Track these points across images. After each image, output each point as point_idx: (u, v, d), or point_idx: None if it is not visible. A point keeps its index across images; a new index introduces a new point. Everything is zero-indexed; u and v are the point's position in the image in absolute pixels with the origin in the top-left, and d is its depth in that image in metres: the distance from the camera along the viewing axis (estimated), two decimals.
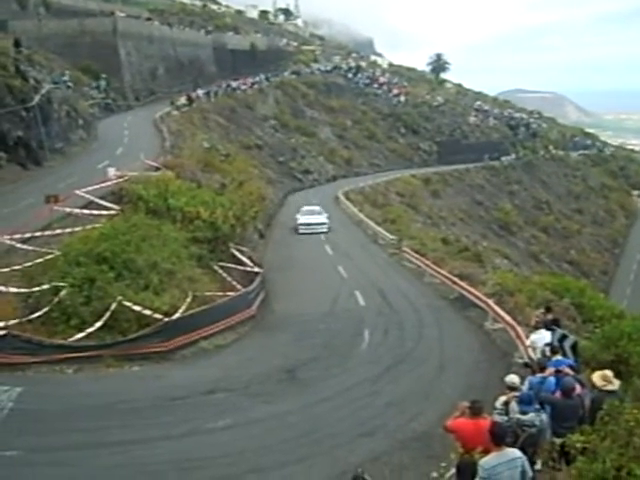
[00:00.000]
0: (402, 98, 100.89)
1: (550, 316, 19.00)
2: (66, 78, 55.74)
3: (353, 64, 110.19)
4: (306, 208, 49.48)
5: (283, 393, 18.96)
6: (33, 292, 21.72)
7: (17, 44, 49.26)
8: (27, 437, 15.11)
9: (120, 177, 33.26)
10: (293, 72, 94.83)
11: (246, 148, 62.46)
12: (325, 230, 45.73)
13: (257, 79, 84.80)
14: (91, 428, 15.86)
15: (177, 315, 22.15)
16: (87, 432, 15.65)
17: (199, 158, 40.70)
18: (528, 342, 18.50)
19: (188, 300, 23.31)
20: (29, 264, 23.32)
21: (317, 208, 49.26)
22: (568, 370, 13.51)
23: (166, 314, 21.86)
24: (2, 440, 14.87)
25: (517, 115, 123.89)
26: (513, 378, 13.13)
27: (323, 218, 47.10)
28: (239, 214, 31.77)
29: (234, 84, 79.61)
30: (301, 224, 46.26)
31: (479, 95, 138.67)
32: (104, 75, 65.66)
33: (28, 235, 26.04)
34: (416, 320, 26.16)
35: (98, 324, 20.72)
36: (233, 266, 29.42)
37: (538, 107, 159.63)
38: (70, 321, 20.90)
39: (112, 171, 34.33)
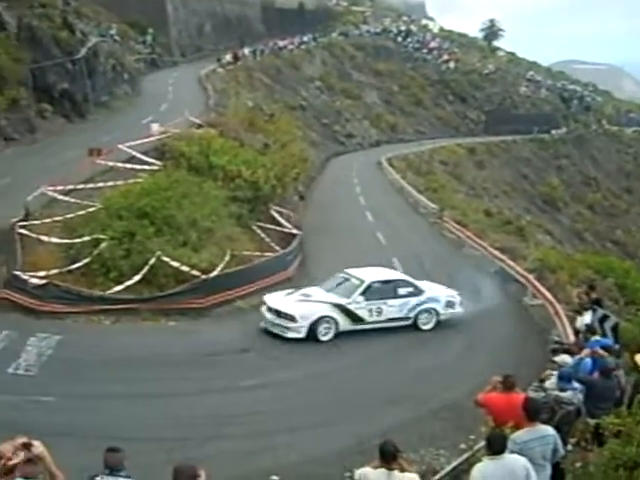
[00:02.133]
0: (452, 64, 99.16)
1: (593, 295, 18.75)
2: (113, 32, 55.78)
3: (403, 27, 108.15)
4: None
5: (316, 356, 19.04)
6: (74, 243, 22.00)
7: None
8: (64, 384, 15.37)
9: (163, 133, 33.28)
10: (341, 33, 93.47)
11: (290, 109, 61.88)
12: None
13: (304, 39, 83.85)
14: (127, 379, 16.12)
15: (215, 273, 22.26)
16: (123, 382, 15.89)
17: (243, 117, 40.31)
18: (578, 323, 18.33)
19: (226, 258, 23.38)
20: (71, 216, 23.58)
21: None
22: (602, 352, 13.31)
23: (204, 271, 21.97)
24: (40, 385, 15.22)
25: (571, 87, 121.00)
26: (565, 358, 13.06)
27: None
28: (280, 175, 31.61)
29: (281, 43, 78.80)
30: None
31: (532, 65, 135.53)
32: (151, 30, 65.39)
33: (70, 187, 26.29)
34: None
35: (136, 278, 20.92)
36: (272, 227, 29.37)
37: (593, 79, 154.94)
38: (109, 273, 21.15)
39: (155, 127, 34.35)
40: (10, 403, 14.19)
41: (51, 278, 20.16)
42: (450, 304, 22.09)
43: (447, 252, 33.01)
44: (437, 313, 21.78)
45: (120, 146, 30.66)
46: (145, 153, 30.69)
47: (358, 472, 8.52)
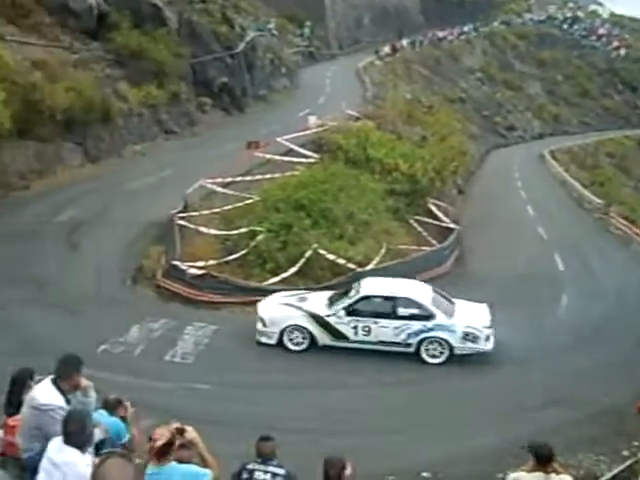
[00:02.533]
0: (622, 52, 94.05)
1: None
2: (271, 26, 56.59)
3: (569, 14, 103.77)
4: None
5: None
6: (231, 235, 22.42)
7: None
8: (219, 373, 15.71)
9: (321, 126, 33.50)
10: (503, 22, 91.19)
11: (449, 101, 60.98)
12: None
13: (464, 29, 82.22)
14: (280, 369, 16.35)
15: (370, 266, 22.07)
16: (276, 373, 16.14)
17: (401, 109, 40.12)
18: None
19: (382, 252, 23.17)
20: (229, 207, 24.07)
21: None
22: None
23: (359, 264, 21.85)
24: (196, 373, 15.62)
25: None
26: None
27: None
28: (439, 168, 31.18)
29: (440, 34, 77.71)
30: None
31: None
32: (309, 23, 66.07)
33: (229, 179, 26.85)
34: (618, 290, 24.50)
35: (292, 270, 21.02)
36: (429, 221, 28.89)
37: None
38: (265, 265, 21.44)
39: (313, 119, 34.67)
40: (166, 390, 14.64)
41: (208, 269, 20.62)
42: (469, 337, 17.72)
43: (612, 249, 31.36)
44: (450, 346, 17.62)
45: (278, 139, 31.12)
46: (302, 146, 31.04)
47: (512, 476, 8.10)
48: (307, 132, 32.92)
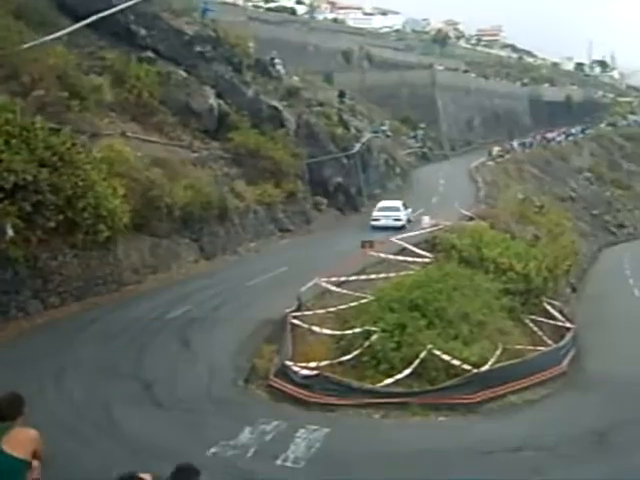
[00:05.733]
0: None
1: None
2: (385, 127, 58.37)
3: None
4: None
5: (593, 457, 17.26)
6: (345, 335, 22.29)
7: (341, 95, 52.74)
8: (332, 479, 15.14)
9: (434, 225, 33.73)
10: (609, 124, 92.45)
11: (560, 200, 61.15)
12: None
13: (572, 131, 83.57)
14: (395, 478, 15.55)
15: (486, 367, 21.49)
16: None
17: (513, 209, 40.36)
18: None
19: (497, 352, 22.61)
20: (343, 307, 24.06)
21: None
22: None
23: (475, 365, 21.28)
24: (309, 479, 15.11)
25: None
26: None
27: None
28: (551, 267, 30.81)
29: (549, 135, 78.97)
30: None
31: None
32: (422, 125, 67.62)
33: (343, 278, 27.02)
34: None
35: (407, 371, 20.60)
36: (544, 320, 28.30)
37: None
38: (379, 366, 21.00)
39: (426, 219, 35.05)
40: None
41: (321, 369, 20.32)
42: None
43: None
44: None
45: (392, 238, 31.43)
46: (416, 245, 31.32)
47: None
48: (421, 232, 33.26)
